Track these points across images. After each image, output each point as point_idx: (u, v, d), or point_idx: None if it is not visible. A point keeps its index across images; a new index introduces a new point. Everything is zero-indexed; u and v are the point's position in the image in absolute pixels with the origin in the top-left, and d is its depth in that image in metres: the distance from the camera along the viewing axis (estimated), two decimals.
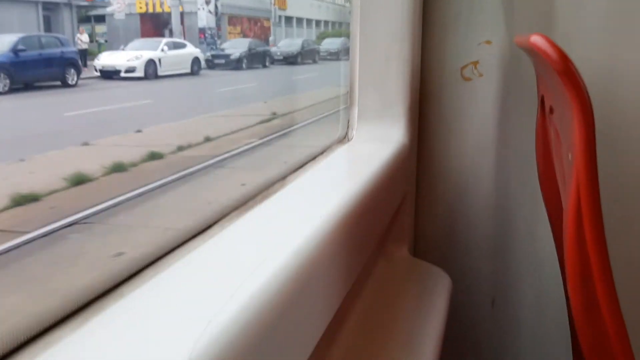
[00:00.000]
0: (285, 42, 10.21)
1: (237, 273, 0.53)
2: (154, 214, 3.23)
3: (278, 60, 9.57)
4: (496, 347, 1.29)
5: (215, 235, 0.65)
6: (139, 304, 0.49)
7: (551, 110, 0.81)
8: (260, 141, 5.01)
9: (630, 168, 1.12)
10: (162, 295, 0.51)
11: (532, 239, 1.22)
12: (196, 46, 8.01)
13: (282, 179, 0.88)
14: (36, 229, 2.62)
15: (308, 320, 0.61)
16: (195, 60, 7.56)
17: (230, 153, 4.45)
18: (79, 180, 3.41)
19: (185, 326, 0.44)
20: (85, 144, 4.30)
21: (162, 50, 6.95)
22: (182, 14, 8.48)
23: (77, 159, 3.96)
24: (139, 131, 4.82)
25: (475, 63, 1.17)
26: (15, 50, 4.96)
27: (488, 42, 1.15)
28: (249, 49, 9.03)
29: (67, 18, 6.56)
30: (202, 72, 7.74)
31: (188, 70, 7.38)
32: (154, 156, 4.12)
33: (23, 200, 3.02)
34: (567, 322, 0.89)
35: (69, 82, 5.53)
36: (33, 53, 5.25)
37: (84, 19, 7.30)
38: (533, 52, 0.58)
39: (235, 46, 9.04)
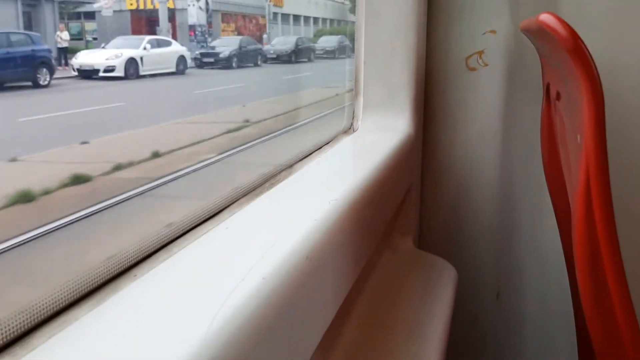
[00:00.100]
0: (278, 40, 10.14)
1: (247, 258, 0.54)
2: None
3: (271, 59, 9.50)
4: (501, 338, 1.32)
5: (224, 220, 0.67)
6: (150, 287, 0.50)
7: (558, 97, 0.82)
8: (217, 157, 4.25)
9: (634, 159, 1.15)
10: (174, 279, 0.53)
11: (537, 230, 1.25)
12: (186, 44, 7.94)
13: (289, 167, 0.90)
14: None
15: (317, 307, 0.62)
16: (181, 59, 7.31)
17: (173, 175, 3.72)
18: None
19: (200, 307, 0.45)
20: (13, 159, 3.65)
21: (145, 48, 6.70)
22: (173, 11, 8.43)
23: None
24: (85, 143, 4.20)
25: (481, 53, 1.19)
26: None
27: (493, 31, 1.18)
28: (240, 47, 8.83)
29: (49, 14, 6.44)
30: (188, 71, 7.46)
31: (173, 69, 7.12)
32: (78, 180, 3.40)
33: None
34: (572, 314, 0.91)
35: (41, 82, 5.24)
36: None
37: (73, 16, 7.24)
38: (541, 32, 0.60)
39: (225, 44, 8.82)
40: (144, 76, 6.61)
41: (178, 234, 0.63)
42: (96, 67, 6.26)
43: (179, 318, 0.44)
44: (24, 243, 2.43)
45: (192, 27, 8.68)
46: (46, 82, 5.26)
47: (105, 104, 5.73)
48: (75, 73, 6.13)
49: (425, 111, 1.24)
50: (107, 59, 6.31)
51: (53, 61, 5.71)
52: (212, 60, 8.34)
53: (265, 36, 10.30)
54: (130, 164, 3.86)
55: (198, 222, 0.67)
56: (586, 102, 0.54)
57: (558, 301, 1.23)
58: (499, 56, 1.19)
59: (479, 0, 1.18)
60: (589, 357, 0.63)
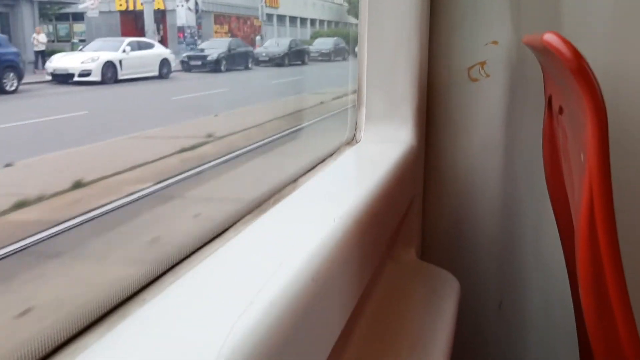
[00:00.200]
0: (271, 42, 10.09)
1: (256, 278, 0.56)
2: None
3: (264, 62, 9.41)
4: (504, 349, 1.35)
5: (231, 239, 0.68)
6: (159, 312, 0.52)
7: (560, 110, 0.84)
8: (153, 188, 3.47)
9: (638, 170, 1.18)
10: (183, 302, 0.54)
11: (540, 241, 1.28)
12: (175, 46, 7.82)
13: (293, 181, 0.93)
14: None
15: (324, 326, 0.64)
16: (165, 62, 7.01)
17: (81, 217, 2.78)
18: None
19: (209, 332, 0.47)
20: None
21: (124, 51, 6.40)
22: (164, 12, 8.39)
23: None
24: (9, 165, 3.49)
25: (483, 63, 1.22)
26: None
27: (495, 42, 1.21)
28: (229, 49, 8.60)
29: (28, 16, 6.07)
30: (173, 74, 7.18)
31: (156, 73, 6.82)
32: None
33: None
34: (574, 325, 0.94)
35: (7, 88, 4.89)
36: None
37: (61, 17, 7.19)
38: (545, 50, 0.62)
39: (214, 46, 8.58)
40: (123, 80, 6.29)
41: (184, 255, 0.65)
42: (70, 72, 5.95)
43: (189, 343, 0.46)
44: None
45: (180, 29, 8.61)
46: (13, 88, 4.95)
47: (65, 113, 5.22)
48: (50, 77, 5.86)
49: (428, 122, 1.26)
50: (82, 63, 6.03)
51: (21, 65, 5.36)
52: (199, 63, 8.12)
53: (258, 38, 10.23)
54: (39, 199, 3.05)
55: (205, 242, 0.70)
56: (590, 123, 0.56)
57: (560, 311, 1.26)
58: (501, 67, 1.22)
59: (481, 11, 1.21)
60: None
